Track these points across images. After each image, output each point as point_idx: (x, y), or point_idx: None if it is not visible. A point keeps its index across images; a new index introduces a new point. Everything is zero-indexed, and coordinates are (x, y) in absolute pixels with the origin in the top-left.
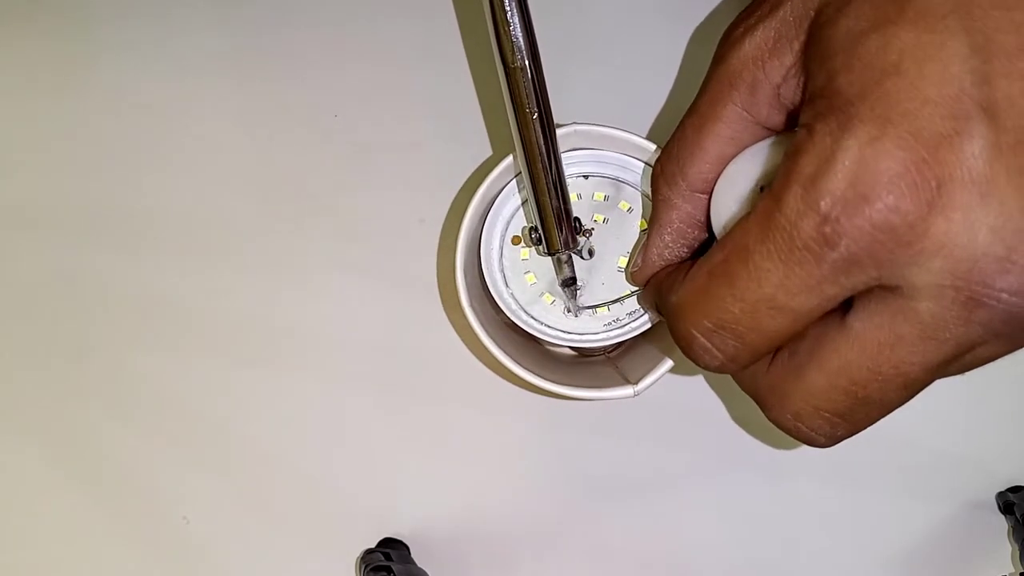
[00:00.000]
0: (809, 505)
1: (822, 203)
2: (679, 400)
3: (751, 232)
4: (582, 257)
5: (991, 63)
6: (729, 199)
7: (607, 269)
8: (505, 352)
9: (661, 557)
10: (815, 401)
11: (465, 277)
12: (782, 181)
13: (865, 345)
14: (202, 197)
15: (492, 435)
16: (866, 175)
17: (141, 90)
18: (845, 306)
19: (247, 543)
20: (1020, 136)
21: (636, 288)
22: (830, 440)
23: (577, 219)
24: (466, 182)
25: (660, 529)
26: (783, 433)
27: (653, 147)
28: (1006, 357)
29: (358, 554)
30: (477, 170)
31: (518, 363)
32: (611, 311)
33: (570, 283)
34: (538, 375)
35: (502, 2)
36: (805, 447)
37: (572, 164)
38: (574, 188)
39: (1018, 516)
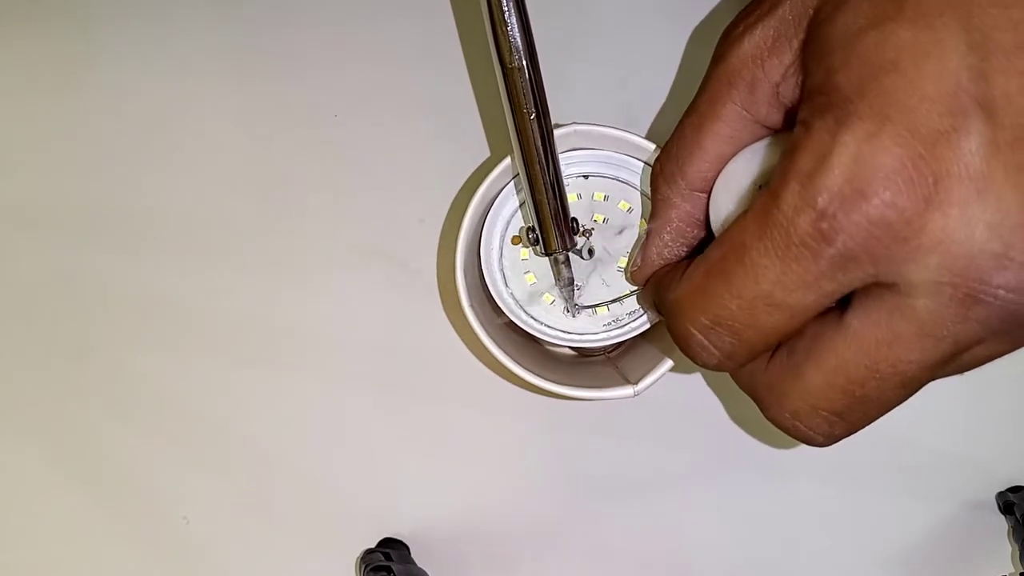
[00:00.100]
0: (809, 505)
1: (819, 199)
2: (679, 400)
3: (748, 229)
4: (582, 257)
5: (989, 60)
6: (728, 198)
7: (607, 269)
8: (505, 352)
9: (661, 557)
10: (813, 400)
11: (465, 277)
12: (779, 178)
13: (863, 343)
14: (202, 197)
15: (492, 435)
16: (863, 171)
17: (141, 90)
18: (844, 305)
19: (247, 543)
20: (1017, 133)
21: (636, 288)
22: (828, 439)
23: (574, 219)
24: (466, 182)
25: (660, 529)
26: (782, 433)
27: (653, 147)
28: (1006, 357)
29: (358, 554)
30: (477, 170)
31: (518, 363)
32: (611, 311)
33: (567, 283)
34: (538, 375)
35: (499, 2)
36: (805, 447)
37: (572, 164)
38: (574, 188)
39: (1018, 516)
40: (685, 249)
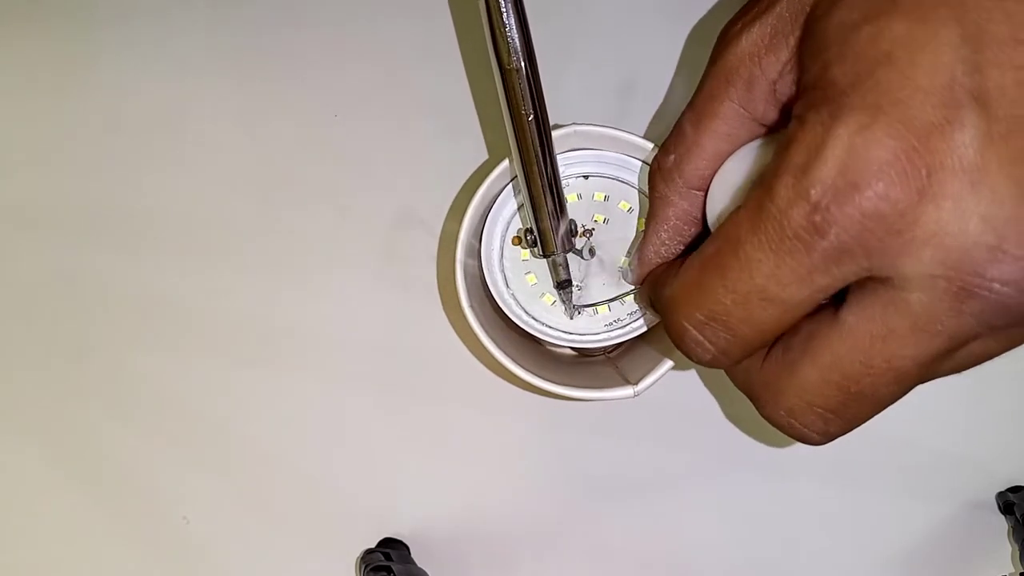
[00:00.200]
0: (809, 505)
1: (812, 192)
2: (679, 400)
3: (743, 223)
4: (582, 257)
5: (983, 52)
6: (725, 195)
7: (607, 269)
8: (505, 353)
9: (661, 557)
10: (808, 396)
11: (465, 277)
12: (773, 171)
13: (857, 338)
14: (202, 197)
15: (492, 435)
16: (856, 163)
17: (141, 90)
18: (840, 302)
19: (247, 543)
20: (1011, 125)
21: (635, 287)
22: (823, 436)
23: (573, 221)
24: (466, 182)
25: (660, 529)
26: (778, 432)
27: (652, 146)
28: (1005, 356)
29: (358, 554)
30: (477, 170)
31: (518, 364)
32: (611, 311)
33: (564, 285)
34: (538, 375)
35: (498, 3)
36: (804, 446)
37: (572, 164)
38: (574, 188)
39: (1018, 516)
40: (682, 247)
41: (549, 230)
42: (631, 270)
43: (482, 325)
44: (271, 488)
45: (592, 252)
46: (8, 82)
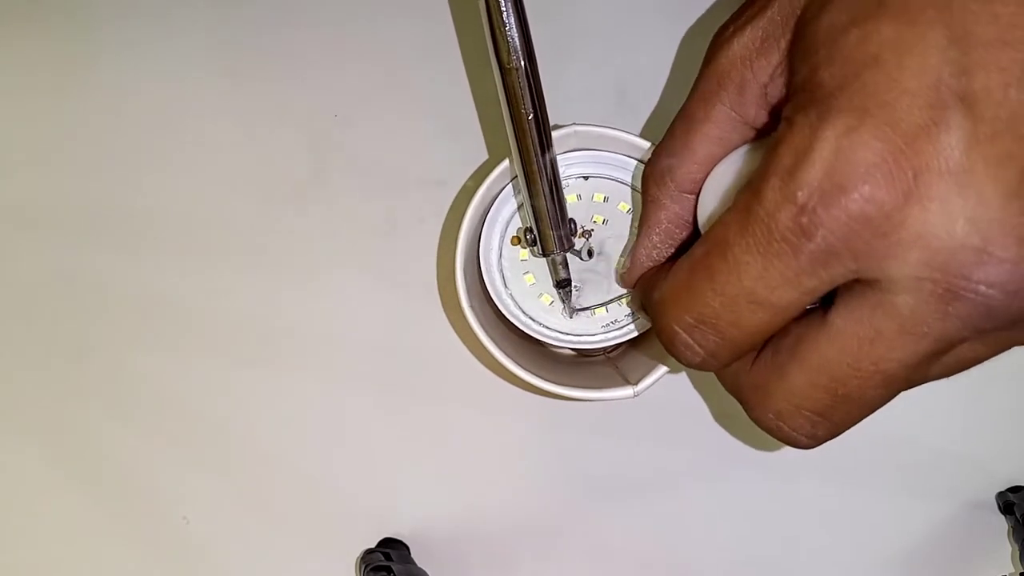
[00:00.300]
0: (809, 504)
1: (799, 194)
2: (679, 400)
3: (731, 226)
4: (581, 258)
5: (969, 54)
6: (716, 199)
7: (606, 270)
8: (505, 353)
9: (661, 557)
10: (796, 399)
11: (465, 278)
12: (761, 173)
13: (845, 341)
14: (202, 197)
15: (492, 435)
16: (843, 165)
17: (141, 90)
18: (828, 305)
19: (247, 543)
20: (998, 127)
21: (628, 290)
22: (811, 440)
23: (572, 220)
24: (466, 182)
25: (660, 529)
26: (766, 435)
27: (651, 147)
28: (1005, 354)
29: (358, 554)
30: (477, 170)
31: (518, 364)
32: (610, 312)
33: (564, 284)
34: (538, 376)
35: (498, 3)
36: None
37: (572, 165)
38: (574, 189)
39: (1018, 516)
40: (674, 251)
41: (549, 229)
42: (623, 273)
43: (482, 325)
44: (271, 488)
45: (591, 253)
46: (8, 82)
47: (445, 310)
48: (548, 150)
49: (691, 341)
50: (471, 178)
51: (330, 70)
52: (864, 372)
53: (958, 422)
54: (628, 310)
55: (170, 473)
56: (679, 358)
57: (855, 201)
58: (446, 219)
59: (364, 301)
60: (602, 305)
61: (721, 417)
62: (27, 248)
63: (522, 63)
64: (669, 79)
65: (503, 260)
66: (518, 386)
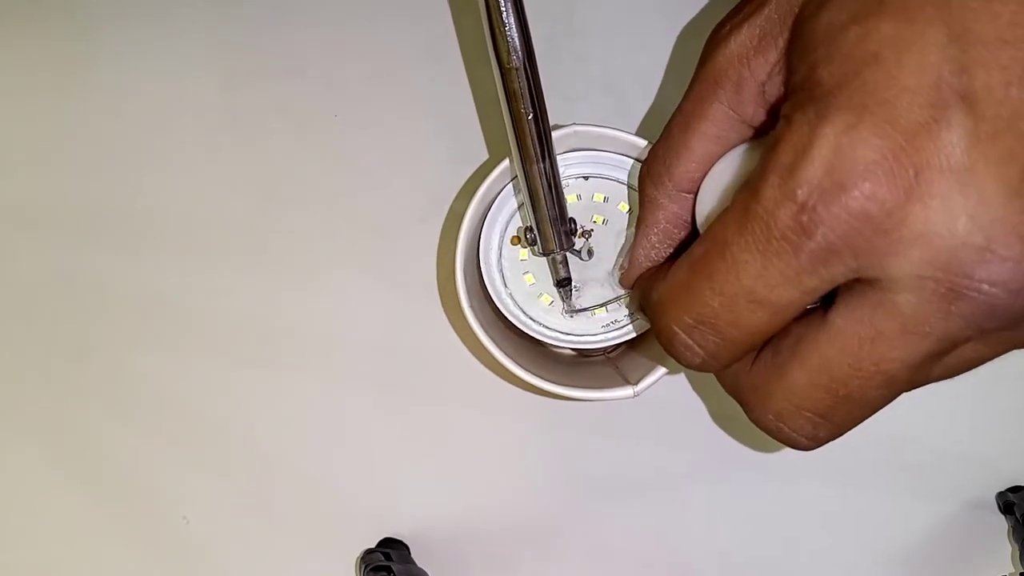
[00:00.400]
0: (810, 504)
1: (799, 192)
2: (679, 400)
3: (729, 225)
4: (581, 258)
5: (969, 52)
6: (714, 198)
7: (606, 271)
8: (505, 353)
9: (661, 557)
10: (796, 400)
11: (465, 278)
12: (760, 172)
13: (846, 341)
14: (202, 197)
15: (492, 435)
16: (843, 163)
17: (141, 90)
18: (829, 305)
19: (247, 543)
20: (998, 125)
21: (627, 291)
22: (812, 441)
23: (572, 220)
24: (466, 183)
25: (660, 529)
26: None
27: (649, 146)
28: (1007, 355)
29: (358, 554)
30: (477, 170)
31: (518, 364)
32: (610, 312)
33: (564, 283)
34: (538, 376)
35: (498, 3)
36: None
37: (572, 165)
38: (574, 189)
39: (1018, 516)
40: (672, 251)
41: (548, 228)
42: (621, 273)
43: (482, 325)
44: (271, 488)
45: (591, 253)
46: (8, 82)
47: (445, 310)
48: (548, 150)
49: (690, 342)
50: (471, 178)
51: (330, 70)
52: (865, 372)
53: (958, 422)
54: (628, 310)
55: (170, 473)
56: (678, 359)
57: (856, 199)
58: (446, 219)
59: (364, 301)
60: (602, 305)
61: (721, 418)
62: (27, 248)
63: (522, 63)
64: (666, 78)
65: (503, 260)
66: (518, 386)
